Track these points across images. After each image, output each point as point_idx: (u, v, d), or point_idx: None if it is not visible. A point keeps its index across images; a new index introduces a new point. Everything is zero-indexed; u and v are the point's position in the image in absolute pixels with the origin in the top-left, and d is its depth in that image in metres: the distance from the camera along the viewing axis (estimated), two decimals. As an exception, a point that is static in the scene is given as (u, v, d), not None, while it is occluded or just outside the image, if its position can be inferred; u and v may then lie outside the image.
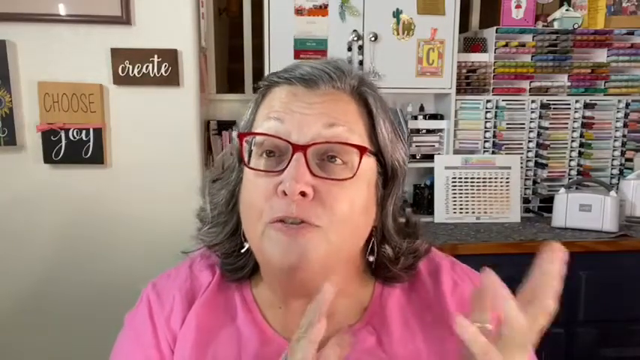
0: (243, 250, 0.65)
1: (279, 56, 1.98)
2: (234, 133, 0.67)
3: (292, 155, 0.55)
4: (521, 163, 2.17)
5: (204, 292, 0.67)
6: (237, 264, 0.67)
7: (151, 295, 0.67)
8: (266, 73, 1.99)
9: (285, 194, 0.54)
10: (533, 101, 2.17)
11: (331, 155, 0.57)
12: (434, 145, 2.17)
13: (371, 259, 0.65)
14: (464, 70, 2.12)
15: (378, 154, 0.62)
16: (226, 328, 0.64)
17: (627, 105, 2.21)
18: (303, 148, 0.55)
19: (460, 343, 0.48)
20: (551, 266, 0.49)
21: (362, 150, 0.58)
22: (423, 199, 2.17)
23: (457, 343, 0.49)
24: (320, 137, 0.56)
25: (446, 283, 0.67)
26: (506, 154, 2.16)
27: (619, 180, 2.15)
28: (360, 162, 0.58)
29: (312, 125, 0.57)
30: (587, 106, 2.19)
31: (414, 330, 0.64)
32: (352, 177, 0.57)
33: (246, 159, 0.60)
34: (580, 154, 2.22)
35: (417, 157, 2.17)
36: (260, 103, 0.63)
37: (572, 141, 2.20)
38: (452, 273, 0.69)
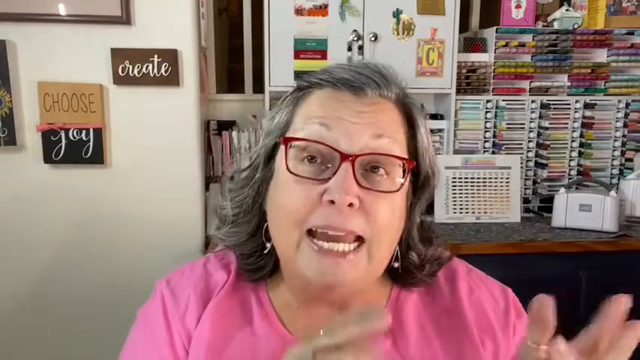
0: (265, 251, 0.64)
1: (279, 56, 1.98)
2: (262, 133, 0.65)
3: (340, 164, 0.54)
4: (521, 163, 2.16)
5: (220, 292, 0.65)
6: (257, 264, 0.66)
7: (165, 292, 0.66)
8: (266, 73, 2.00)
9: (332, 203, 0.54)
10: (533, 101, 2.17)
11: (374, 165, 0.57)
12: (434, 145, 2.16)
13: (396, 265, 0.64)
14: (464, 70, 2.12)
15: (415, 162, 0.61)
16: (242, 330, 0.63)
17: (627, 105, 2.21)
18: (351, 158, 0.54)
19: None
20: (628, 343, 0.44)
21: (409, 164, 0.58)
22: (423, 199, 2.17)
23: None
24: (367, 148, 0.56)
25: (462, 289, 0.67)
26: (506, 154, 2.16)
27: (619, 180, 2.15)
28: (405, 175, 0.57)
29: (361, 135, 0.56)
30: (587, 106, 2.19)
31: (430, 334, 0.64)
32: (398, 190, 0.57)
33: (284, 162, 0.58)
34: (580, 154, 2.22)
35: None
36: (298, 104, 0.61)
37: (572, 141, 2.20)
38: (468, 279, 0.69)
